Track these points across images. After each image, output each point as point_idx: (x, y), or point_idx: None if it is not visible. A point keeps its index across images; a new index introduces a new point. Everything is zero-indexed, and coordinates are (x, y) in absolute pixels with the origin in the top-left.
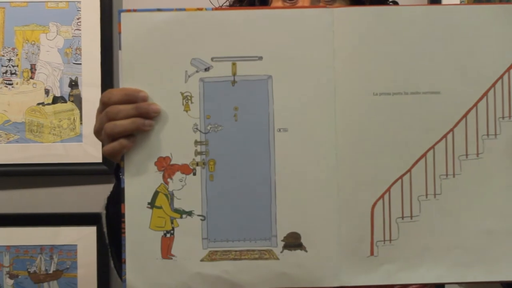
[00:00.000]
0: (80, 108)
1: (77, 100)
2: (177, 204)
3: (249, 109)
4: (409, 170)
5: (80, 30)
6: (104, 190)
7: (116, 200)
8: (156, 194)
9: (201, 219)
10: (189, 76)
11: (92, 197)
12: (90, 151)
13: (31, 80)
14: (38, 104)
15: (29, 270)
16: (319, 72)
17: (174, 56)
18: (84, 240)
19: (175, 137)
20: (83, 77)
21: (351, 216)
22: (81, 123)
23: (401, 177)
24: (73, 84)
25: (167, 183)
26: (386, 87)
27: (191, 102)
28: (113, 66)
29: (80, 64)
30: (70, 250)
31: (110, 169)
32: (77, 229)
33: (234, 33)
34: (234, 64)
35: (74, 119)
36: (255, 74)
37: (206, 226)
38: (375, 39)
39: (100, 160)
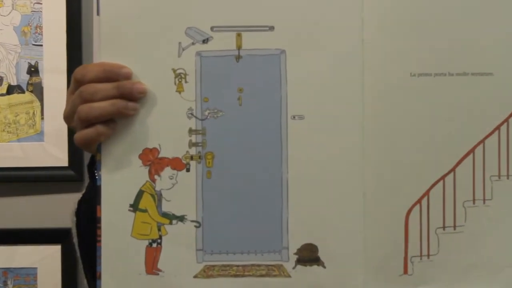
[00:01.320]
0: (41, 100)
1: (38, 90)
2: (166, 207)
3: (256, 91)
4: (452, 170)
5: (41, 4)
6: (71, 200)
7: (90, 203)
8: (140, 194)
9: (196, 226)
10: (183, 49)
11: (56, 209)
12: (54, 152)
13: None
14: None
15: None
16: (343, 47)
17: (165, 23)
18: (46, 262)
19: (165, 124)
20: (45, 61)
21: (380, 225)
22: (42, 119)
23: (442, 177)
24: (33, 70)
25: (154, 180)
26: (426, 67)
27: (185, 81)
28: (82, 48)
29: (41, 45)
30: (29, 274)
31: (78, 175)
32: (37, 249)
33: None
34: (239, 35)
35: (33, 113)
36: (264, 47)
37: (202, 234)
38: (413, 7)
39: (65, 163)
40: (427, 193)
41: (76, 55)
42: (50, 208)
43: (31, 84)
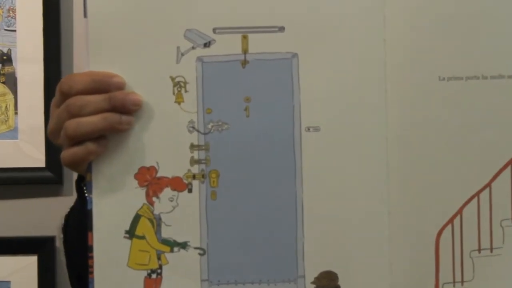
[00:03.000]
0: (14, 92)
1: (11, 81)
2: (166, 233)
3: (265, 100)
4: (488, 185)
5: None
6: (49, 205)
7: (78, 221)
8: (137, 219)
9: (200, 254)
10: (182, 54)
11: (33, 216)
12: (29, 151)
13: None
14: None
15: None
16: (363, 48)
17: (161, 26)
18: (20, 274)
19: (163, 140)
20: (19, 49)
21: (407, 249)
22: (16, 113)
23: (477, 193)
24: (5, 58)
25: (152, 203)
26: (456, 69)
27: (185, 91)
28: (60, 33)
29: (15, 31)
30: None
31: (57, 177)
32: (11, 260)
33: None
34: (245, 37)
35: (6, 107)
36: (274, 51)
37: (207, 263)
38: (441, 2)
39: (42, 163)
40: (459, 211)
41: (54, 42)
42: (25, 214)
43: (3, 74)
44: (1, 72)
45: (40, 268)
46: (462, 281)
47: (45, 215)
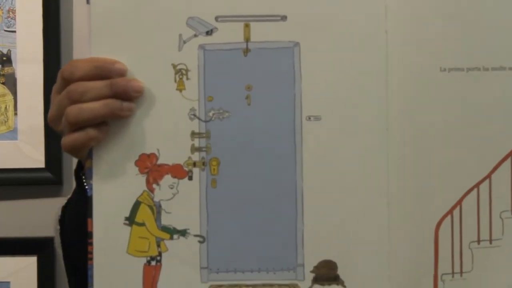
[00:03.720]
0: (14, 93)
1: (10, 82)
2: (166, 220)
3: (267, 89)
4: (488, 176)
5: None
6: (49, 206)
7: (76, 211)
8: (136, 205)
9: (199, 241)
10: (184, 42)
11: (32, 216)
12: (29, 152)
13: None
14: None
15: None
16: (365, 38)
17: (163, 13)
18: (20, 275)
19: (164, 127)
20: (19, 50)
21: (407, 239)
22: (15, 114)
23: (477, 185)
24: (5, 59)
25: (152, 190)
26: (458, 61)
27: (187, 78)
28: (60, 34)
29: (15, 31)
30: None
31: (57, 177)
32: (10, 261)
33: None
34: (247, 25)
35: (6, 107)
36: (276, 39)
37: (206, 251)
38: None
39: (42, 164)
40: (459, 202)
41: (54, 42)
42: (25, 215)
43: (3, 75)
44: (1, 72)
45: (40, 269)
46: (461, 272)
47: (44, 216)
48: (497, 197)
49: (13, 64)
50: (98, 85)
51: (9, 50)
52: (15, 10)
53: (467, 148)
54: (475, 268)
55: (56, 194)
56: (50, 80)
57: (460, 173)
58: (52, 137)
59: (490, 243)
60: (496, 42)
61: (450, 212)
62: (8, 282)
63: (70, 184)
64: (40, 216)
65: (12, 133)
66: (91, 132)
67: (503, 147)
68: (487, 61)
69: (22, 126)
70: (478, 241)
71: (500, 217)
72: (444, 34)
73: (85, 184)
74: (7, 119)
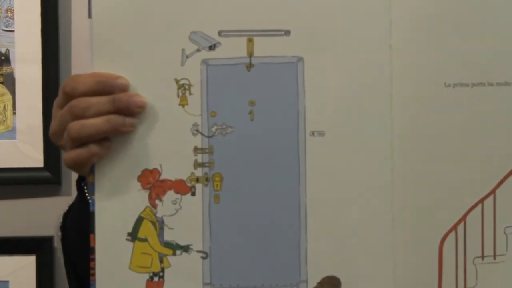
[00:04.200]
0: (12, 93)
1: (9, 82)
2: (168, 236)
3: (270, 104)
4: (493, 191)
5: None
6: (47, 205)
7: (77, 219)
8: (139, 221)
9: (202, 257)
10: (187, 57)
11: (31, 216)
12: (27, 151)
13: None
14: None
15: None
16: (369, 53)
17: (166, 28)
18: (19, 274)
19: (167, 142)
20: (17, 49)
21: (410, 255)
22: (14, 113)
23: (481, 200)
24: (3, 59)
25: (155, 206)
26: (462, 76)
27: (190, 93)
28: (59, 34)
29: (13, 31)
30: None
31: (55, 177)
32: (9, 260)
33: None
34: (250, 40)
35: (4, 107)
36: (279, 54)
37: (209, 266)
38: (447, 8)
39: (41, 164)
40: (463, 218)
41: (52, 42)
42: (23, 214)
43: (1, 74)
44: (0, 72)
45: (38, 268)
46: None
47: (43, 215)
48: (501, 212)
49: (12, 64)
50: (100, 101)
51: (7, 50)
52: (13, 10)
53: (471, 164)
54: (479, 284)
55: (55, 193)
56: (49, 80)
57: (465, 189)
58: None
59: (494, 258)
60: (501, 57)
61: (454, 227)
62: (7, 282)
63: (69, 184)
64: (39, 216)
65: (11, 133)
66: (93, 148)
67: (508, 163)
68: (491, 77)
69: (20, 126)
70: (482, 257)
71: (504, 233)
72: (448, 49)
73: (86, 194)
74: (6, 118)
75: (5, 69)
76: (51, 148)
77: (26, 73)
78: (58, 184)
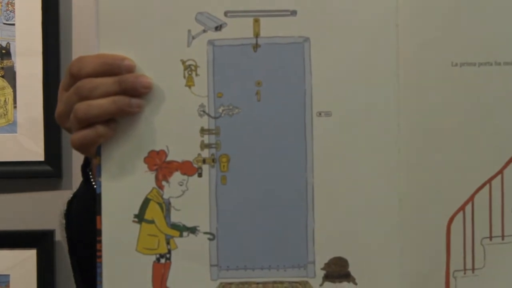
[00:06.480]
0: (13, 86)
1: (10, 75)
2: (175, 217)
3: (277, 85)
4: (500, 171)
5: None
6: (48, 199)
7: (83, 206)
8: (146, 203)
9: (209, 239)
10: (193, 38)
11: (32, 209)
12: (28, 145)
13: None
14: None
15: None
16: (376, 33)
17: (172, 9)
18: (20, 268)
19: (173, 124)
20: (18, 43)
21: (418, 236)
22: (15, 107)
23: (489, 180)
24: (4, 52)
25: (161, 187)
26: (470, 55)
27: (196, 74)
28: (59, 27)
29: (14, 24)
30: (0, 282)
31: (56, 170)
32: (10, 254)
33: None
34: (256, 20)
35: (5, 101)
36: (286, 35)
37: (216, 248)
38: None
39: (41, 157)
40: (471, 198)
41: (53, 35)
42: (24, 208)
43: (2, 68)
44: (0, 66)
45: (39, 262)
46: (473, 269)
47: (44, 209)
48: (509, 192)
49: (12, 57)
50: (106, 82)
51: (8, 43)
52: (14, 3)
53: (479, 143)
54: (487, 265)
55: (56, 187)
56: (49, 73)
57: (472, 169)
58: (51, 130)
59: (503, 239)
60: (508, 36)
61: (462, 208)
62: (8, 275)
63: (69, 177)
64: (40, 209)
65: (12, 126)
66: (100, 129)
67: None
68: (499, 56)
69: (21, 119)
70: (490, 237)
71: None
72: (455, 28)
73: (91, 179)
74: (6, 112)
75: (5, 62)
76: (51, 142)
77: (27, 66)
78: (59, 178)
